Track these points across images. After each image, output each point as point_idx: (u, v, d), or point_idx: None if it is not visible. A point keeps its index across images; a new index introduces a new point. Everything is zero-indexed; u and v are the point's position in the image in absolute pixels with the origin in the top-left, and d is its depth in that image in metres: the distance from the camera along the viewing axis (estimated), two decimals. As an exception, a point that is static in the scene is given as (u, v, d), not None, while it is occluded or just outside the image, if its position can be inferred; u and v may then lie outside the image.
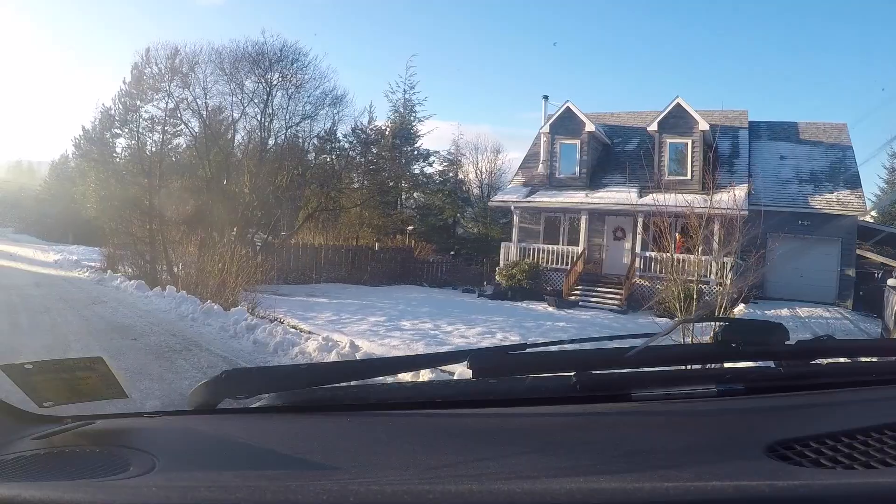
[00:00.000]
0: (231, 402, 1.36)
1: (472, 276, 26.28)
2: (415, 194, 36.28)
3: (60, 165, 37.52)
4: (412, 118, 35.34)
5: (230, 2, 57.64)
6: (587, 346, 1.52)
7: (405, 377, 1.54)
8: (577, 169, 22.79)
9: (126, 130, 23.94)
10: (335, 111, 26.24)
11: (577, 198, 21.77)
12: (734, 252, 12.61)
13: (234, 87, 23.92)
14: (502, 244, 23.32)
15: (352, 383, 1.41)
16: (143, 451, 1.08)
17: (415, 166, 35.77)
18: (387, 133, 34.15)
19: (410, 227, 30.71)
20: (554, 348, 1.51)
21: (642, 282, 19.65)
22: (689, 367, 1.45)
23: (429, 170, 36.17)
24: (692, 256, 12.76)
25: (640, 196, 20.21)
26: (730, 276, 13.44)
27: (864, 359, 1.59)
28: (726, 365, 1.43)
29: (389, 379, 1.52)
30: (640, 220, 20.03)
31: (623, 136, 24.55)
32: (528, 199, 22.59)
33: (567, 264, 21.21)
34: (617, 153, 23.88)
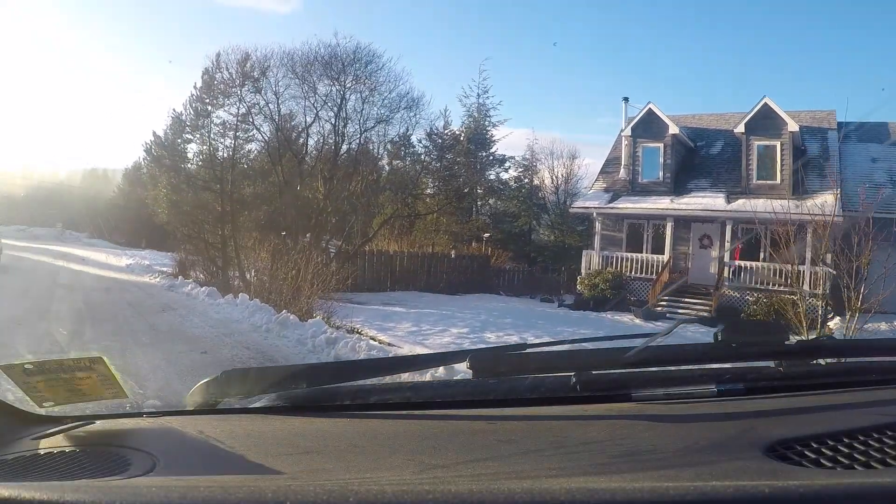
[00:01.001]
0: (231, 402, 1.37)
1: (549, 285, 25.38)
2: (490, 200, 35.57)
3: (133, 172, 38.67)
4: (486, 123, 34.61)
5: (297, 11, 59.05)
6: (587, 346, 1.53)
7: (405, 377, 1.53)
8: (661, 173, 21.78)
9: (197, 136, 23.50)
10: (411, 114, 25.33)
11: (661, 204, 20.86)
12: (829, 261, 11.90)
13: (307, 91, 23.39)
14: (584, 252, 22.47)
15: (352, 383, 1.41)
16: (143, 451, 1.08)
17: (490, 172, 35.09)
18: (461, 138, 33.39)
19: (487, 234, 29.98)
20: (553, 348, 1.50)
21: (731, 292, 18.78)
22: (688, 367, 1.44)
23: (504, 175, 35.46)
24: (788, 266, 12.04)
25: (728, 202, 19.52)
26: (824, 286, 12.66)
27: (863, 359, 1.59)
28: (726, 365, 1.43)
29: (389, 379, 1.51)
30: (728, 227, 19.22)
31: (706, 139, 23.49)
32: (610, 205, 21.75)
33: (651, 273, 20.35)
34: (701, 157, 22.88)
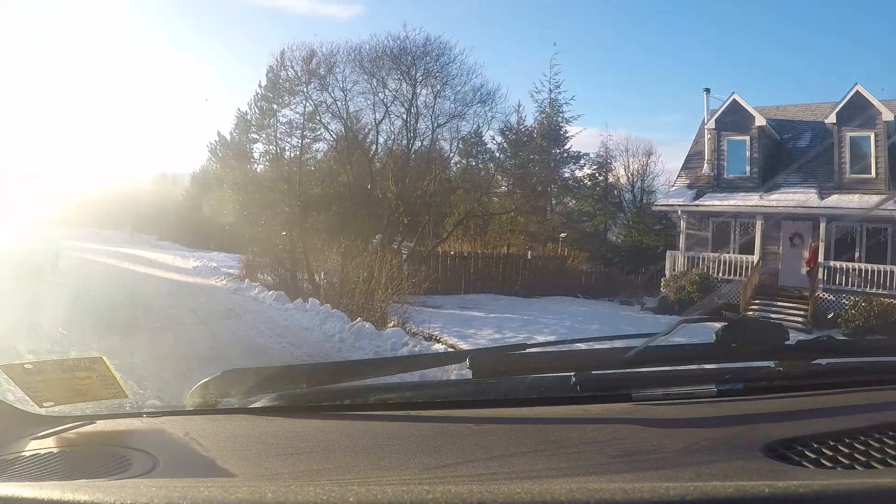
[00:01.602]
0: (231, 402, 1.37)
1: (627, 287, 24.07)
2: (564, 199, 33.93)
3: (201, 176, 39.67)
4: (559, 119, 32.62)
5: (361, 14, 59.01)
6: (587, 346, 1.53)
7: (405, 377, 1.52)
8: (747, 168, 20.23)
9: (263, 135, 23.01)
10: (485, 108, 23.67)
11: (750, 200, 19.26)
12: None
13: (376, 86, 22.08)
14: (668, 253, 21.05)
15: (352, 383, 1.42)
16: (144, 451, 1.09)
17: (564, 169, 33.26)
18: (534, 135, 31.73)
19: (563, 234, 28.47)
20: (554, 348, 1.52)
21: (827, 295, 17.34)
22: (688, 367, 1.44)
23: (578, 173, 33.70)
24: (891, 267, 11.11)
25: (821, 198, 18.11)
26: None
27: (863, 359, 1.59)
28: (726, 365, 1.43)
29: (389, 379, 1.51)
30: (822, 225, 17.81)
31: (792, 131, 21.77)
32: (696, 202, 20.37)
33: (740, 275, 18.85)
34: (788, 150, 21.15)
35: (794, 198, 18.79)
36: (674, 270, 20.32)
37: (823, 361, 1.47)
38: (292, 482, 0.92)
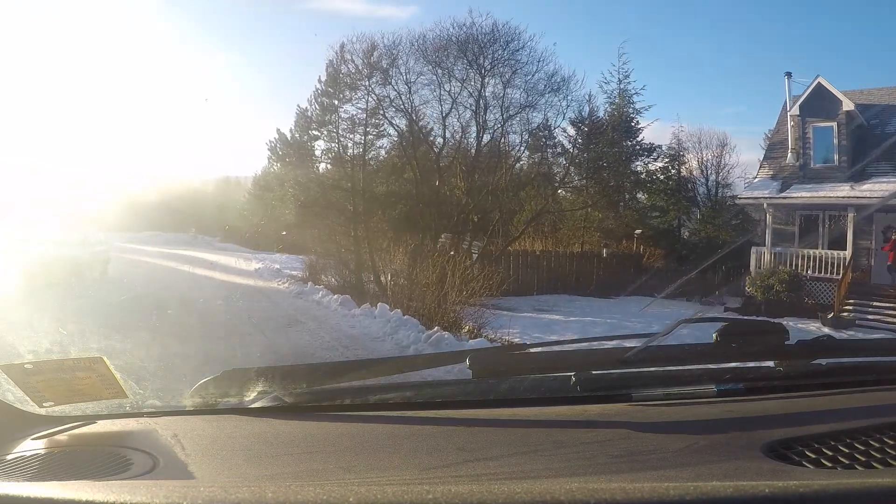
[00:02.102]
0: (231, 402, 1.37)
1: (704, 286, 22.95)
2: (637, 194, 32.02)
3: (263, 178, 40.00)
4: (630, 110, 30.80)
5: (417, 14, 58.27)
6: (587, 346, 1.53)
7: (405, 377, 1.51)
8: (836, 157, 18.73)
9: (324, 132, 21.64)
10: (559, 98, 21.82)
11: (840, 192, 17.72)
12: None
13: (441, 77, 20.62)
14: (753, 249, 19.23)
15: (352, 383, 1.41)
16: (144, 451, 1.09)
17: (636, 163, 31.33)
18: (605, 127, 29.19)
19: (638, 231, 26.98)
20: (553, 348, 1.52)
21: None
22: (689, 367, 1.44)
23: (652, 166, 31.60)
24: None
25: None
26: None
27: (863, 359, 1.58)
28: (726, 365, 1.43)
29: (389, 379, 1.50)
30: None
31: (879, 117, 20.01)
32: (782, 194, 18.80)
33: (830, 273, 17.46)
34: (876, 136, 19.26)
35: (889, 188, 17.30)
36: (759, 268, 18.67)
37: (823, 361, 1.47)
38: (292, 482, 0.92)
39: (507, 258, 20.99)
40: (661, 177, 31.76)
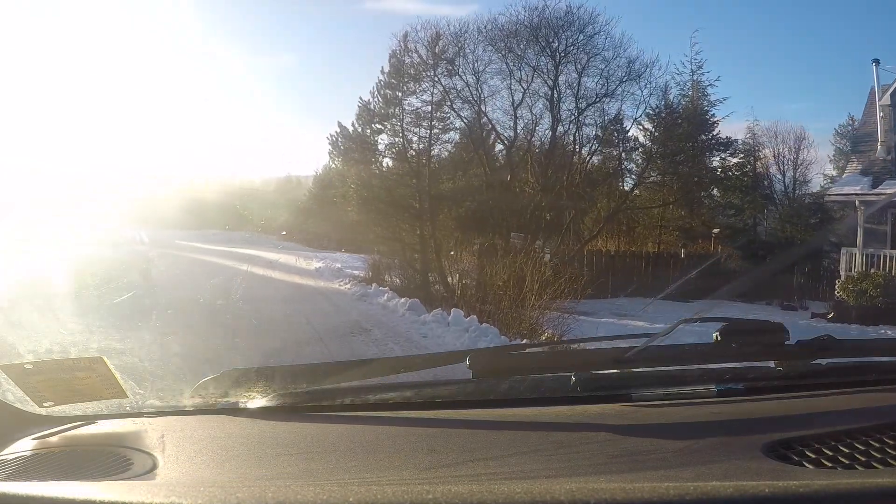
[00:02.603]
0: (231, 402, 1.36)
1: (784, 289, 21.11)
2: (710, 192, 29.88)
3: (323, 177, 39.95)
4: (704, 103, 28.36)
5: (475, 12, 56.54)
6: (587, 346, 1.53)
7: (405, 377, 1.51)
8: None
9: (388, 126, 20.54)
10: (639, 87, 20.14)
11: None
12: None
13: (512, 64, 19.13)
14: (843, 250, 17.85)
15: (352, 383, 1.41)
16: (144, 451, 1.09)
17: (712, 158, 28.99)
18: (681, 120, 27.24)
19: (716, 230, 25.45)
20: (553, 348, 1.42)
21: None
22: (689, 367, 1.44)
23: (728, 162, 29.26)
24: None
25: None
26: None
27: (863, 359, 1.58)
28: (726, 365, 1.43)
29: (389, 379, 1.51)
30: None
31: None
32: (875, 190, 16.99)
33: None
34: None
35: None
36: (849, 270, 17.19)
37: (823, 361, 1.46)
38: (292, 482, 0.92)
39: (579, 259, 19.64)
40: (737, 173, 29.08)
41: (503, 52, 19.12)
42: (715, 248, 24.58)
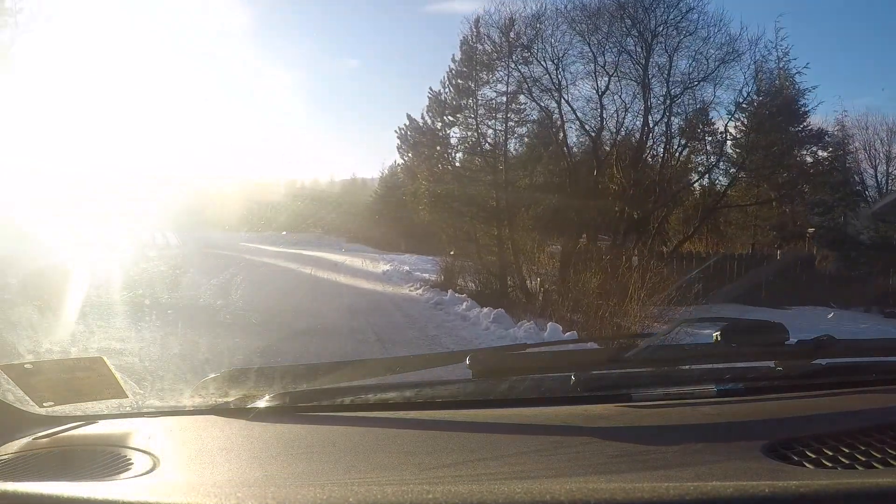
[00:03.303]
0: (231, 402, 1.36)
1: (879, 293, 19.20)
2: (803, 187, 27.18)
3: (389, 178, 39.59)
4: (792, 92, 25.32)
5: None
6: (587, 346, 1.57)
7: (405, 377, 1.51)
8: None
9: (460, 118, 19.18)
10: (741, 68, 18.11)
11: None
12: None
13: (596, 48, 17.08)
14: None
15: (352, 383, 1.42)
16: (144, 451, 1.09)
17: (803, 152, 26.57)
18: (774, 109, 24.17)
19: (811, 230, 23.84)
20: (553, 348, 1.52)
21: None
22: (689, 367, 1.44)
23: (820, 155, 27.02)
24: None
25: None
26: None
27: (863, 359, 1.58)
28: (726, 365, 1.42)
29: (389, 379, 1.52)
30: None
31: None
32: None
33: None
34: None
35: None
36: None
37: (823, 361, 1.46)
38: (292, 482, 0.92)
39: (668, 261, 17.47)
40: (828, 167, 27.17)
41: (585, 35, 17.02)
42: (809, 248, 23.07)
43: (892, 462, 0.90)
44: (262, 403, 1.32)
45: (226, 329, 7.99)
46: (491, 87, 18.06)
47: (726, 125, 21.08)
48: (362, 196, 48.05)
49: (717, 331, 1.41)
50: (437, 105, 20.24)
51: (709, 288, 16.52)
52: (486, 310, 11.02)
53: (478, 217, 16.84)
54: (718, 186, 21.59)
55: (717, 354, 1.43)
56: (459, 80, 19.03)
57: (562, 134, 18.26)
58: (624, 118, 18.09)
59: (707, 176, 21.58)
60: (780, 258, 20.53)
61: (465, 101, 18.89)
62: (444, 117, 20.12)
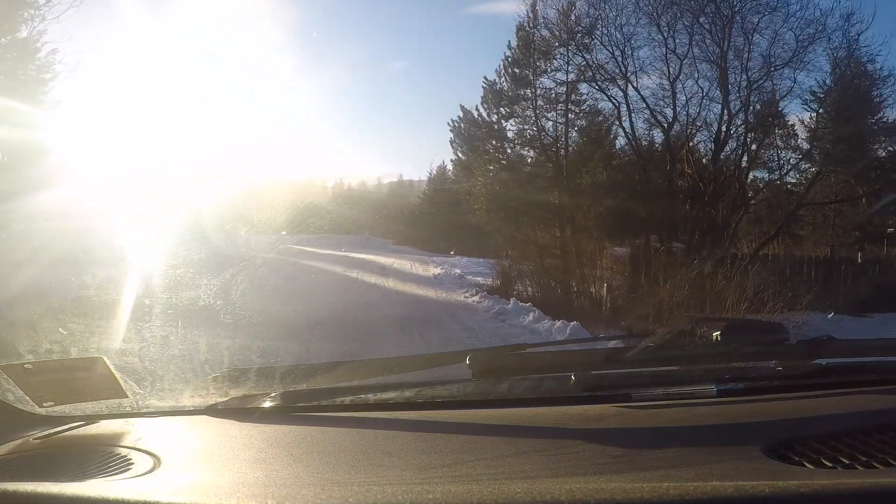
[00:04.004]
0: (231, 402, 1.36)
1: None
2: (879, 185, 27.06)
3: (438, 178, 39.11)
4: (864, 81, 25.77)
5: None
6: (587, 346, 1.61)
7: (405, 377, 1.51)
8: None
9: (518, 109, 17.65)
10: (829, 48, 16.31)
11: None
12: None
13: (668, 26, 15.26)
14: None
15: (352, 383, 1.42)
16: (144, 451, 1.09)
17: (878, 146, 22.73)
18: (852, 100, 22.96)
19: (892, 230, 22.61)
20: (554, 348, 1.55)
21: None
22: (689, 367, 1.43)
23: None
24: None
25: None
26: None
27: (863, 359, 1.58)
28: (726, 365, 1.42)
29: (389, 379, 1.51)
30: None
31: None
32: None
33: None
34: None
35: None
36: None
37: (823, 361, 1.45)
38: (293, 482, 0.92)
39: (741, 268, 14.69)
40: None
41: (654, 15, 15.30)
42: (889, 251, 21.43)
43: (892, 462, 0.90)
44: (262, 404, 1.32)
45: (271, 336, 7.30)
46: (549, 77, 16.54)
47: (817, 113, 19.12)
48: (410, 198, 47.84)
49: (717, 331, 1.40)
50: (493, 95, 18.53)
51: (787, 292, 13.79)
52: (559, 323, 9.77)
53: (538, 217, 15.75)
54: (797, 182, 20.27)
55: (717, 354, 1.43)
56: (516, 69, 17.50)
57: (629, 125, 16.45)
58: (699, 107, 16.07)
59: (789, 171, 19.56)
60: (861, 261, 18.55)
61: (522, 92, 17.40)
62: (501, 109, 18.47)
